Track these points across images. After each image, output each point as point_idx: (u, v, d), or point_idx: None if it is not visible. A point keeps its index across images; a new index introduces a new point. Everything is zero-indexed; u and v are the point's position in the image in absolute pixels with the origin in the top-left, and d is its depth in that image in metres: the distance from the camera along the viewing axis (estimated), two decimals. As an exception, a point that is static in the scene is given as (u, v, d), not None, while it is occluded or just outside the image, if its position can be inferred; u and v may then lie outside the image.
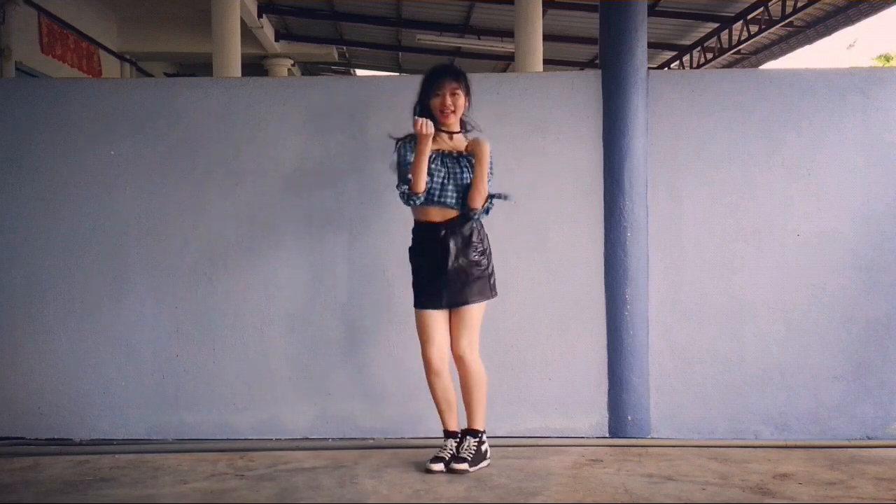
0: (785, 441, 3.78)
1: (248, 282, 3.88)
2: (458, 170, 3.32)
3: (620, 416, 3.82)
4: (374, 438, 3.84)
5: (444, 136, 3.36)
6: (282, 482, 3.23)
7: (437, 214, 3.33)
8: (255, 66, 14.02)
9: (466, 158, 3.33)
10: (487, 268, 3.39)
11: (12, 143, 3.90)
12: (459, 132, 3.41)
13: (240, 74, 10.28)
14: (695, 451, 3.64)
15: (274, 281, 3.88)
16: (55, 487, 3.20)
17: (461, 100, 3.35)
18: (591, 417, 3.85)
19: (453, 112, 3.33)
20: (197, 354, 3.88)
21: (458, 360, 3.36)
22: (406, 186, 3.27)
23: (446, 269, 3.29)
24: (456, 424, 3.43)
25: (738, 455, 3.57)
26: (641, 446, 3.71)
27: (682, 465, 3.41)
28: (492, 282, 3.40)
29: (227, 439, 3.84)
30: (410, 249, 3.43)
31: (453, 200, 3.32)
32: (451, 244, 3.30)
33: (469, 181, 3.30)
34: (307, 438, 3.85)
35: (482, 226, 3.40)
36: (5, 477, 3.35)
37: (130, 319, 3.88)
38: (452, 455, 3.34)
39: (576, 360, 3.86)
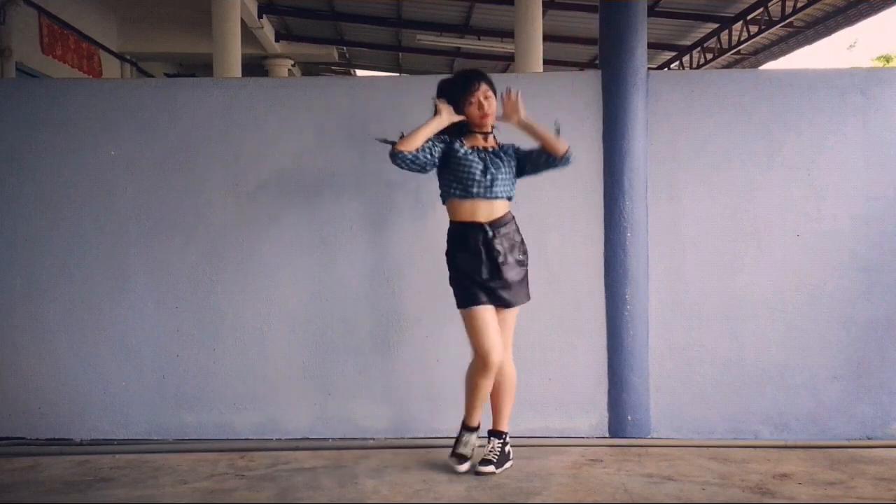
0: (784, 441, 3.78)
1: (248, 282, 3.88)
2: (499, 163, 3.35)
3: (620, 416, 3.82)
4: (374, 438, 3.84)
5: (479, 136, 3.41)
6: (282, 482, 3.23)
7: (483, 213, 3.31)
8: (256, 67, 14.02)
9: (503, 153, 3.39)
10: (527, 269, 3.41)
11: (12, 144, 3.90)
12: (492, 132, 3.44)
13: (240, 75, 10.29)
14: (695, 451, 3.64)
15: (274, 281, 3.88)
16: (55, 487, 3.20)
17: (493, 102, 3.39)
18: (591, 417, 3.86)
19: (488, 115, 3.37)
20: (197, 354, 3.88)
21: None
22: (396, 141, 3.25)
23: (499, 268, 3.28)
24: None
25: (738, 455, 3.58)
26: (641, 446, 3.72)
27: (682, 466, 3.41)
28: (528, 284, 3.43)
29: (227, 439, 3.84)
30: (450, 251, 3.37)
31: (501, 193, 3.34)
32: (499, 244, 3.29)
33: (511, 174, 3.37)
34: (307, 438, 3.86)
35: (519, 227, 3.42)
36: (5, 477, 3.35)
37: (130, 319, 3.88)
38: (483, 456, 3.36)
39: (576, 360, 3.87)
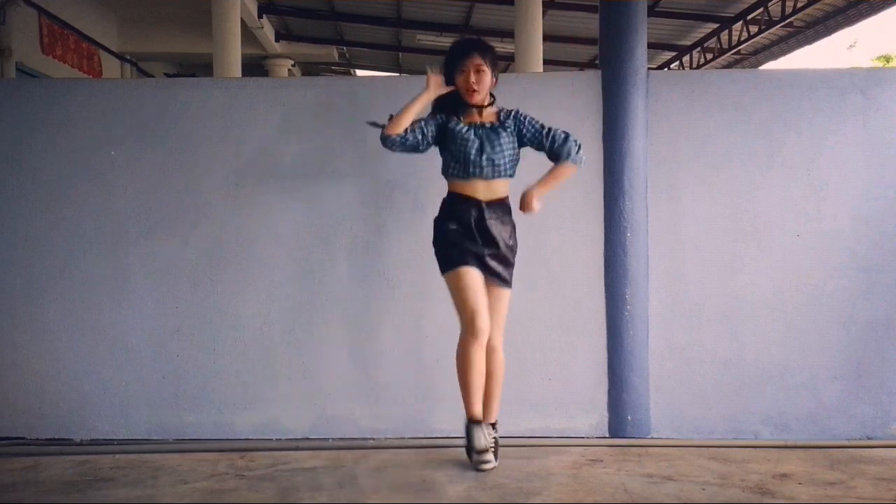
0: (784, 441, 3.78)
1: (248, 282, 3.88)
2: (495, 140, 3.27)
3: (620, 416, 3.82)
4: (374, 438, 3.84)
5: (475, 111, 3.32)
6: (282, 482, 3.23)
7: (481, 191, 3.27)
8: (256, 67, 14.03)
9: (503, 127, 3.30)
10: (514, 258, 3.36)
11: (12, 143, 3.90)
12: (489, 105, 3.35)
13: (240, 75, 10.29)
14: (694, 451, 3.64)
15: (274, 281, 3.88)
16: (55, 487, 3.20)
17: (487, 76, 3.27)
18: (591, 417, 3.86)
19: (477, 91, 3.26)
20: (197, 354, 3.88)
21: (488, 347, 3.28)
22: (385, 124, 3.22)
23: (489, 240, 3.23)
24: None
25: (738, 455, 3.58)
26: (641, 446, 3.72)
27: (682, 466, 3.41)
28: (512, 273, 3.36)
29: (227, 439, 3.84)
30: (440, 219, 3.34)
31: (499, 173, 3.26)
32: (491, 221, 3.23)
33: (508, 153, 3.28)
34: (307, 438, 3.86)
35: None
36: (5, 477, 3.35)
37: (130, 319, 3.88)
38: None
39: (576, 360, 3.87)
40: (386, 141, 3.23)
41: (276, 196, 3.89)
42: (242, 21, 10.94)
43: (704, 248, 3.87)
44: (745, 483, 3.16)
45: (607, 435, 3.84)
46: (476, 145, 3.24)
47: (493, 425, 3.39)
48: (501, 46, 12.73)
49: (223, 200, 3.90)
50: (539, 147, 3.35)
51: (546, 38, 10.29)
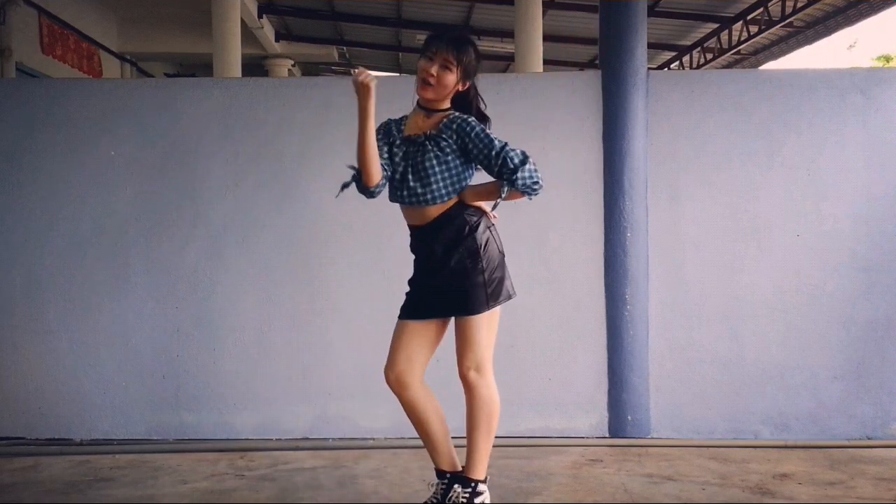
0: (784, 441, 3.78)
1: (247, 282, 3.88)
2: (419, 162, 2.63)
3: (620, 416, 3.82)
4: (374, 438, 3.84)
5: (422, 115, 2.70)
6: (282, 482, 3.23)
7: (415, 216, 2.71)
8: (256, 67, 14.03)
9: (438, 146, 2.62)
10: (482, 272, 2.65)
11: (12, 143, 3.90)
12: (443, 112, 2.69)
13: (240, 75, 10.29)
14: (695, 451, 3.64)
15: (274, 281, 3.88)
16: (55, 487, 3.20)
17: (450, 78, 2.61)
18: (591, 417, 3.86)
19: (432, 86, 2.62)
20: (197, 354, 3.88)
21: (463, 382, 2.76)
22: (356, 177, 2.68)
23: (432, 274, 2.70)
24: (446, 462, 2.78)
25: (738, 455, 3.58)
26: (641, 446, 3.72)
27: (682, 466, 3.41)
28: (489, 290, 2.67)
29: (227, 439, 3.84)
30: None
31: (415, 200, 2.65)
32: (436, 248, 2.67)
33: (430, 168, 2.62)
34: (307, 438, 3.86)
35: (481, 224, 2.67)
36: (5, 477, 3.35)
37: (130, 319, 3.88)
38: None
39: (576, 360, 3.87)
40: (374, 194, 2.70)
41: (276, 196, 3.89)
42: (242, 21, 10.93)
43: (704, 248, 3.87)
44: (745, 483, 3.16)
45: (607, 435, 3.84)
46: (400, 169, 2.67)
47: (469, 482, 2.70)
48: (501, 46, 12.75)
49: (223, 200, 3.90)
50: (488, 171, 2.64)
51: (546, 38, 10.28)
